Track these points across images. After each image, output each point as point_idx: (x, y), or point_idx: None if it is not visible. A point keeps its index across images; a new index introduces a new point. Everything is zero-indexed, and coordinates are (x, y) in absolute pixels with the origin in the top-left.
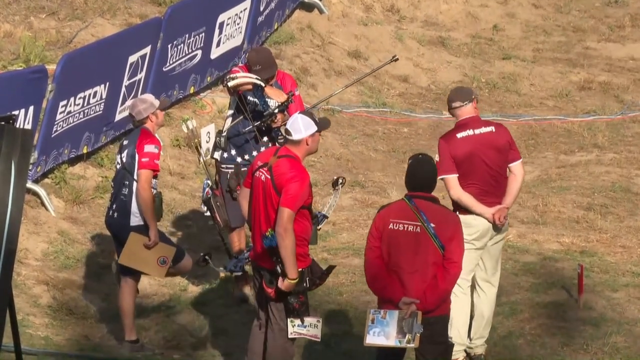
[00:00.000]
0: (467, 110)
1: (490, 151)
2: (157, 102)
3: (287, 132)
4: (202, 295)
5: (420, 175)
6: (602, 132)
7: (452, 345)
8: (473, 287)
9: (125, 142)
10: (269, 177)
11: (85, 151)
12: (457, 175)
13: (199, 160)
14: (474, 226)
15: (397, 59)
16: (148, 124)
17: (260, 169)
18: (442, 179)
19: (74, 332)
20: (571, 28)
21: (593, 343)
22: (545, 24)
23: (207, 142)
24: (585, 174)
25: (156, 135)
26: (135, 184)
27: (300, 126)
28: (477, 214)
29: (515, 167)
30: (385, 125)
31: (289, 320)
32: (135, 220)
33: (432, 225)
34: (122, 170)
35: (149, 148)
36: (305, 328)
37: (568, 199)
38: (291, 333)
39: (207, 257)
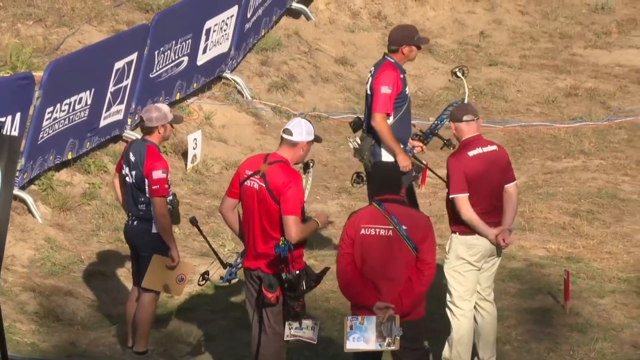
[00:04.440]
0: (474, 127)
1: (495, 170)
2: (170, 116)
3: (288, 131)
4: (189, 301)
5: (386, 176)
6: (588, 138)
7: (429, 350)
8: (475, 309)
9: (132, 157)
10: (262, 185)
11: (69, 157)
12: (469, 194)
13: (186, 167)
14: (476, 246)
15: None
16: (154, 136)
17: (251, 178)
18: (453, 198)
19: (61, 339)
20: (558, 34)
21: (579, 349)
22: (531, 31)
23: (194, 148)
24: (572, 180)
25: (160, 147)
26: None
27: (303, 130)
28: (481, 235)
29: (511, 187)
30: None
31: (287, 323)
32: (156, 227)
33: (404, 227)
34: (133, 187)
35: (157, 174)
36: (301, 330)
37: (554, 205)
38: (287, 335)
39: (206, 275)
